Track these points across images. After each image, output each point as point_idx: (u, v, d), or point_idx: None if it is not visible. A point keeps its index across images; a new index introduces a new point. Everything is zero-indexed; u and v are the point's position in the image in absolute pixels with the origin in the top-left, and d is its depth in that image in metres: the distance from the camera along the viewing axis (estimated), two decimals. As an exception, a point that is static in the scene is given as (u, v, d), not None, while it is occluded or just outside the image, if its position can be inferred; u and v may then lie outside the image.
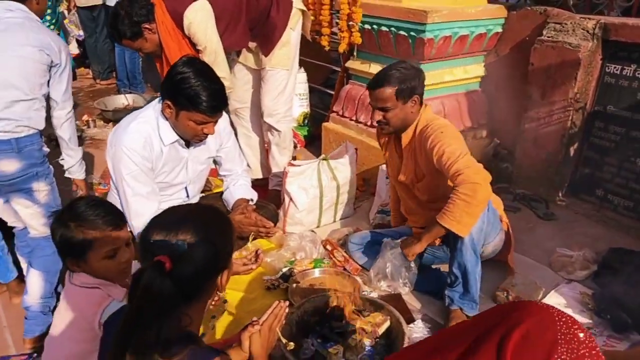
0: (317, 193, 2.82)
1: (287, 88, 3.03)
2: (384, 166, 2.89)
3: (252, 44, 2.94)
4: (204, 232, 1.17)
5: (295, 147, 4.10)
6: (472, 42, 3.29)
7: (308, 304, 2.11)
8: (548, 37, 3.05)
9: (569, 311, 2.24)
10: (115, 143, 2.02)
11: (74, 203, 1.50)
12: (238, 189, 2.36)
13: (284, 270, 2.47)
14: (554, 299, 2.35)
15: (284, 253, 2.61)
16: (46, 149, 2.15)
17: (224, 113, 2.33)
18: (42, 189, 2.13)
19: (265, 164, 3.42)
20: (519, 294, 2.29)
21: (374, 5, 3.29)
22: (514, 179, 3.42)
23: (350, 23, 3.30)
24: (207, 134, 2.03)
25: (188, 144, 2.16)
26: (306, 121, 4.35)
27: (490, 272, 2.54)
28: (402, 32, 3.15)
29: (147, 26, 2.45)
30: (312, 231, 2.87)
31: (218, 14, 2.54)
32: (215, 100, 1.93)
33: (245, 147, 3.35)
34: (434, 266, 2.56)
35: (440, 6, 3.08)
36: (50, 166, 2.18)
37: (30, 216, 2.13)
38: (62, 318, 1.48)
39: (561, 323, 0.98)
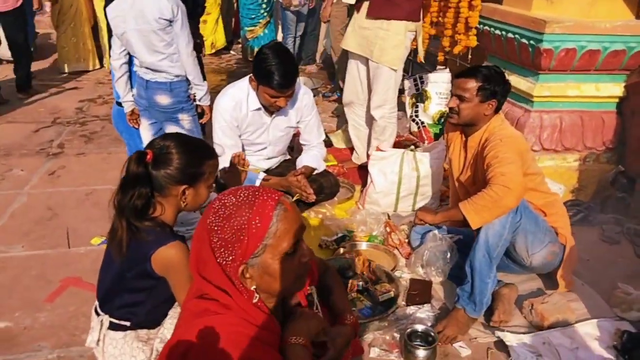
0: (395, 179, 3.06)
1: (391, 87, 3.30)
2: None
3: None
4: (183, 149, 1.63)
5: (423, 142, 4.32)
6: (605, 58, 3.08)
7: (334, 261, 2.44)
8: (690, 61, 2.73)
9: (595, 343, 2.16)
10: (216, 103, 2.63)
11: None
12: (307, 157, 2.78)
13: (339, 235, 2.81)
14: (587, 329, 2.25)
15: (347, 223, 2.95)
16: (191, 92, 2.91)
17: (308, 91, 2.76)
18: (186, 119, 2.93)
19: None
20: (543, 311, 2.25)
21: (504, 12, 3.32)
22: (630, 212, 3.12)
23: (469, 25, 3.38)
24: (280, 106, 2.49)
25: (271, 113, 2.65)
26: (442, 120, 4.48)
27: (540, 287, 2.53)
28: (524, 40, 3.13)
29: None
30: (387, 214, 3.13)
31: None
32: (284, 79, 2.37)
33: (355, 137, 3.74)
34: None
35: (565, 17, 2.99)
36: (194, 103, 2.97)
37: None
38: None
39: None
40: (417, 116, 4.55)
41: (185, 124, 2.99)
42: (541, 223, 2.28)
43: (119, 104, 3.17)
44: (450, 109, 2.41)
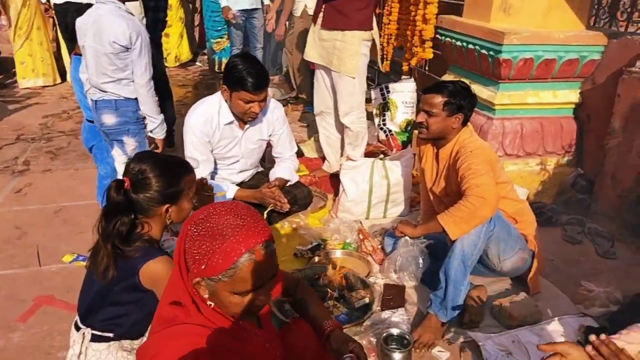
0: (366, 187, 3.14)
1: (355, 93, 3.40)
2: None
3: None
4: (159, 171, 1.67)
5: (391, 150, 4.42)
6: (561, 67, 3.24)
7: (309, 270, 2.49)
8: (638, 68, 2.90)
9: (560, 340, 2.25)
10: (186, 120, 2.67)
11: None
12: (280, 169, 2.83)
13: (314, 244, 2.86)
14: (554, 326, 2.35)
15: (321, 232, 3.00)
16: (141, 113, 2.83)
17: (279, 105, 2.81)
18: (130, 143, 2.84)
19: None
20: (511, 310, 2.35)
21: (464, 24, 3.46)
22: (590, 212, 3.28)
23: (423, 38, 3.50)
24: (255, 112, 2.53)
25: (244, 125, 2.69)
26: (408, 128, 4.60)
27: (511, 289, 2.63)
28: (483, 51, 3.27)
29: None
30: (360, 222, 3.20)
31: None
32: (256, 80, 2.43)
33: (326, 146, 3.81)
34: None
35: (522, 29, 3.13)
36: (144, 129, 2.89)
37: (119, 164, 2.88)
38: None
39: None
40: (384, 124, 4.66)
41: (128, 148, 2.83)
42: (512, 231, 2.38)
43: (91, 121, 3.15)
44: (419, 123, 2.49)
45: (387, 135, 4.58)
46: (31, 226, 3.22)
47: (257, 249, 1.13)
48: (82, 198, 3.58)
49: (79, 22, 2.73)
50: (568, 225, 3.23)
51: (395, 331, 2.15)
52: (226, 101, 2.59)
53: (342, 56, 3.27)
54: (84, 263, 2.80)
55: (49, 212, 3.41)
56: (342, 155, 3.84)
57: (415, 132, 4.13)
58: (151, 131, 2.89)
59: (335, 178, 3.81)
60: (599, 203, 3.22)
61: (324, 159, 4.07)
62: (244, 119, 2.60)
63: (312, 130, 4.63)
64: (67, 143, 4.70)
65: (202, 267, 1.11)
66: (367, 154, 3.90)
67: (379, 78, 5.70)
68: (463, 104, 2.41)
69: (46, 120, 5.38)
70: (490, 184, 2.22)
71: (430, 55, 3.56)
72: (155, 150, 2.97)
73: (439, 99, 2.41)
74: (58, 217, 3.34)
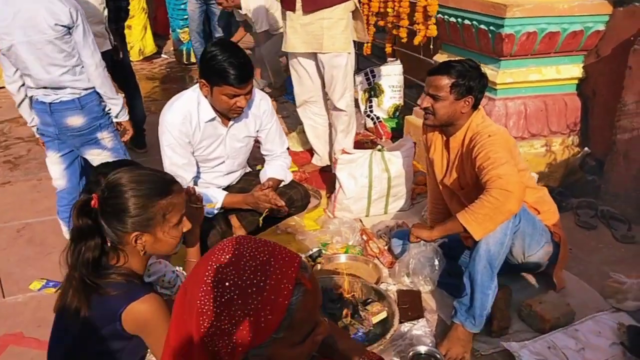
0: (366, 182, 2.87)
1: (349, 72, 3.15)
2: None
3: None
4: (132, 188, 1.35)
5: (380, 138, 4.16)
6: (564, 40, 3.02)
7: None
8: (652, 37, 2.70)
9: (600, 340, 2.05)
10: (161, 119, 2.31)
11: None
12: (272, 168, 2.52)
13: (314, 250, 2.58)
14: (589, 326, 2.14)
15: (320, 235, 2.72)
16: (104, 104, 2.51)
17: (265, 96, 2.50)
18: (106, 137, 2.52)
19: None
20: (543, 312, 2.12)
21: (459, -2, 3.19)
22: (601, 194, 3.08)
23: (427, 15, 3.24)
24: (241, 107, 2.21)
25: (227, 121, 2.37)
26: (397, 113, 4.34)
27: (534, 285, 2.42)
28: (482, 26, 3.01)
29: None
30: (360, 220, 2.93)
31: None
32: (240, 71, 2.10)
33: (313, 138, 3.52)
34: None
35: (524, 0, 2.88)
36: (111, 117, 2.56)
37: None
38: None
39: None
40: (371, 111, 4.40)
41: (106, 142, 2.54)
42: (537, 223, 2.15)
43: None
44: (425, 109, 2.23)
45: (374, 123, 4.31)
46: (-9, 249, 2.86)
47: (302, 276, 0.85)
48: (47, 213, 3.20)
49: None
50: (580, 209, 3.03)
51: (422, 349, 1.91)
52: (206, 97, 2.26)
53: (334, 34, 2.98)
54: (55, 290, 2.48)
55: (10, 231, 3.03)
56: (330, 146, 3.56)
57: (408, 117, 3.91)
58: (116, 116, 2.55)
59: (326, 172, 3.54)
60: (611, 184, 3.03)
61: (310, 151, 3.78)
62: (229, 115, 2.28)
63: (294, 121, 4.32)
64: (27, 150, 4.28)
65: (248, 337, 0.80)
66: (356, 144, 3.63)
67: (359, 63, 5.40)
68: (473, 85, 2.15)
69: (2, 126, 4.92)
70: (513, 174, 1.96)
71: (435, 33, 3.28)
72: (125, 136, 2.64)
73: (445, 81, 2.15)
74: (21, 237, 2.98)
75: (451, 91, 2.14)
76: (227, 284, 0.81)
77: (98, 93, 2.46)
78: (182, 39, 6.90)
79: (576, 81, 3.24)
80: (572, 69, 3.19)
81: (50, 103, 2.39)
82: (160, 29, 8.06)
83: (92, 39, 2.40)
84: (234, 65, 2.08)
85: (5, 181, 3.72)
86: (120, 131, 2.64)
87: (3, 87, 6.03)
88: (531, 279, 2.46)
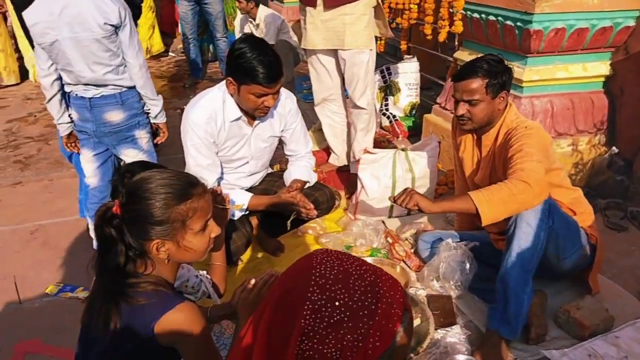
0: (389, 183, 2.79)
1: (370, 70, 3.08)
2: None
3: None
4: (153, 192, 1.27)
5: (397, 137, 4.07)
6: (593, 36, 2.93)
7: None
8: (686, 33, 2.61)
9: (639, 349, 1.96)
10: (185, 118, 2.22)
11: None
12: (297, 169, 2.44)
13: (339, 253, 2.49)
14: (630, 332, 2.05)
15: (343, 237, 2.64)
16: (143, 102, 2.48)
17: (291, 95, 2.42)
18: (143, 136, 2.49)
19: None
20: (582, 318, 2.04)
21: (483, -7, 3.10)
22: (629, 195, 3.00)
23: (452, 11, 3.15)
24: (268, 107, 2.13)
25: (253, 120, 2.29)
26: (414, 112, 4.26)
27: (568, 289, 2.33)
28: (509, 22, 2.92)
29: None
30: (382, 221, 2.85)
31: None
32: (270, 70, 2.02)
33: (331, 137, 3.44)
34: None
35: (552, -5, 2.80)
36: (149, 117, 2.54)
37: None
38: None
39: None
40: (387, 110, 4.31)
41: (143, 143, 2.52)
42: (572, 225, 2.06)
43: None
44: (461, 116, 2.14)
45: (390, 121, 4.23)
46: (4, 252, 2.78)
47: (406, 302, 0.79)
48: (61, 214, 3.13)
49: (35, 16, 2.22)
50: (608, 211, 2.94)
51: (461, 358, 1.82)
52: (232, 95, 2.18)
53: (356, 29, 2.91)
54: (72, 294, 2.41)
55: (23, 233, 2.95)
56: (348, 146, 3.48)
57: (426, 116, 3.83)
58: (155, 117, 2.51)
59: (344, 172, 3.46)
60: (641, 184, 2.94)
61: (327, 151, 3.69)
62: (255, 114, 2.20)
63: (308, 119, 4.24)
64: (37, 150, 4.21)
65: None
66: (375, 143, 3.54)
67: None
68: (505, 79, 2.09)
69: (10, 125, 4.85)
70: (537, 171, 1.88)
71: (461, 29, 3.20)
72: (159, 138, 2.58)
73: (478, 83, 2.06)
74: (35, 239, 2.90)
75: (487, 92, 2.06)
76: (337, 303, 0.73)
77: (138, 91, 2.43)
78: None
79: (603, 79, 3.15)
80: (600, 66, 3.11)
81: (90, 98, 2.36)
82: (167, 28, 8.00)
83: (138, 39, 2.38)
84: (264, 63, 2.00)
85: (17, 181, 3.64)
86: (154, 132, 2.61)
87: (9, 86, 5.99)
88: (564, 283, 2.37)
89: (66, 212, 3.14)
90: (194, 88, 5.78)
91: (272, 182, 2.53)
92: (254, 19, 5.17)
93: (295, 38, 4.71)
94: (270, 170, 2.65)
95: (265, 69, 2.00)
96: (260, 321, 0.80)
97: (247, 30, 5.27)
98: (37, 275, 2.55)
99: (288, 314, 0.75)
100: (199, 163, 2.21)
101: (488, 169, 2.21)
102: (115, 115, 2.41)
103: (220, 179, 2.37)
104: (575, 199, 2.22)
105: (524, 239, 1.90)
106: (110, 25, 2.24)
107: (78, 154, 2.66)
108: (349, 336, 0.71)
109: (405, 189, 1.99)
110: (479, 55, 2.14)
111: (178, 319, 1.25)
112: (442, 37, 3.32)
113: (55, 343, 2.09)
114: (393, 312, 0.74)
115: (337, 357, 0.71)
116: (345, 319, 0.72)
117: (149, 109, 2.52)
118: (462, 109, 2.11)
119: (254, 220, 2.62)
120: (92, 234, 2.56)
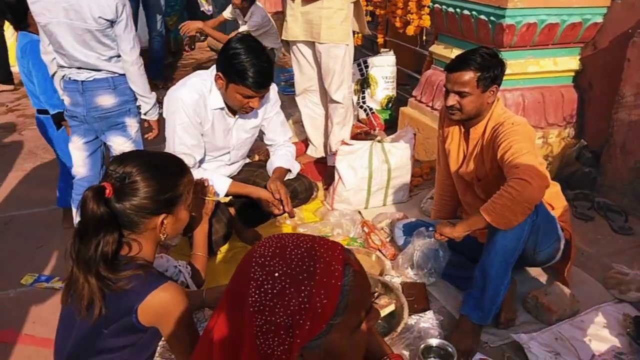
0: (365, 174, 2.83)
1: (347, 64, 3.11)
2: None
3: None
4: (150, 172, 1.30)
5: (374, 129, 4.12)
6: (563, 31, 3.01)
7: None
8: (651, 30, 2.70)
9: (605, 332, 2.05)
10: (172, 97, 2.19)
11: None
12: (278, 158, 2.45)
13: (315, 243, 2.53)
14: (594, 317, 2.15)
15: (320, 227, 2.68)
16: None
17: (273, 84, 2.44)
18: (133, 124, 2.49)
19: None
20: (549, 304, 2.12)
21: (458, -12, 3.16)
22: (597, 186, 3.10)
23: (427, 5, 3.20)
24: (253, 108, 2.15)
25: (234, 113, 2.30)
26: (390, 105, 4.31)
27: (534, 276, 2.41)
28: (482, 17, 2.99)
29: None
30: (359, 212, 2.90)
31: None
32: (261, 77, 2.03)
33: (310, 128, 3.47)
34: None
35: (524, -9, 2.87)
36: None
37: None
38: None
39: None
40: (364, 102, 4.36)
41: (132, 131, 2.51)
42: (551, 219, 2.12)
43: (40, 111, 2.67)
44: (451, 106, 2.18)
45: (367, 114, 4.27)
46: (-23, 243, 2.74)
47: (348, 257, 0.82)
48: (35, 204, 3.09)
49: None
50: (576, 201, 3.04)
51: (434, 341, 1.88)
52: (219, 89, 2.18)
53: (332, 24, 2.94)
54: (48, 284, 2.39)
55: (-3, 225, 2.92)
56: (326, 138, 3.51)
57: (402, 109, 3.88)
58: (145, 113, 2.50)
59: (321, 164, 3.49)
60: (607, 176, 3.05)
61: (305, 142, 3.72)
62: (239, 111, 2.21)
63: (286, 111, 4.25)
64: (10, 141, 4.13)
65: (306, 325, 0.76)
66: (353, 136, 3.59)
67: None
68: (497, 73, 2.12)
69: (-20, 115, 4.75)
70: (534, 163, 1.91)
71: (429, 24, 3.25)
72: (150, 134, 2.57)
73: (470, 76, 2.09)
74: (10, 230, 2.87)
75: (477, 85, 2.09)
76: (276, 274, 0.77)
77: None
78: (169, 26, 6.74)
79: (573, 73, 3.25)
80: (569, 61, 3.20)
81: (83, 81, 2.36)
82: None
83: (134, 36, 2.36)
84: (256, 68, 2.01)
85: (-12, 172, 3.58)
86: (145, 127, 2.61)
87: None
88: (533, 270, 2.45)
89: (40, 203, 3.10)
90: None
91: (250, 171, 2.55)
92: (244, 15, 5.07)
93: (278, 40, 4.69)
94: (247, 161, 2.66)
95: (257, 75, 2.01)
96: (220, 307, 0.84)
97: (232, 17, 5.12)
98: (11, 265, 2.53)
99: (239, 296, 0.79)
100: (184, 142, 2.19)
101: (474, 162, 2.25)
102: (107, 100, 2.41)
103: (201, 163, 2.36)
104: (555, 193, 2.27)
105: (509, 232, 1.91)
106: (105, 19, 2.23)
107: (64, 142, 2.64)
108: (294, 300, 0.75)
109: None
110: (453, 49, 2.20)
111: (162, 298, 1.27)
112: (410, 30, 3.37)
113: (31, 333, 2.08)
114: (333, 269, 0.78)
115: (289, 323, 0.75)
116: (287, 286, 0.76)
117: (139, 104, 2.51)
118: (452, 100, 2.15)
119: (232, 211, 2.63)
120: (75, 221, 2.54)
